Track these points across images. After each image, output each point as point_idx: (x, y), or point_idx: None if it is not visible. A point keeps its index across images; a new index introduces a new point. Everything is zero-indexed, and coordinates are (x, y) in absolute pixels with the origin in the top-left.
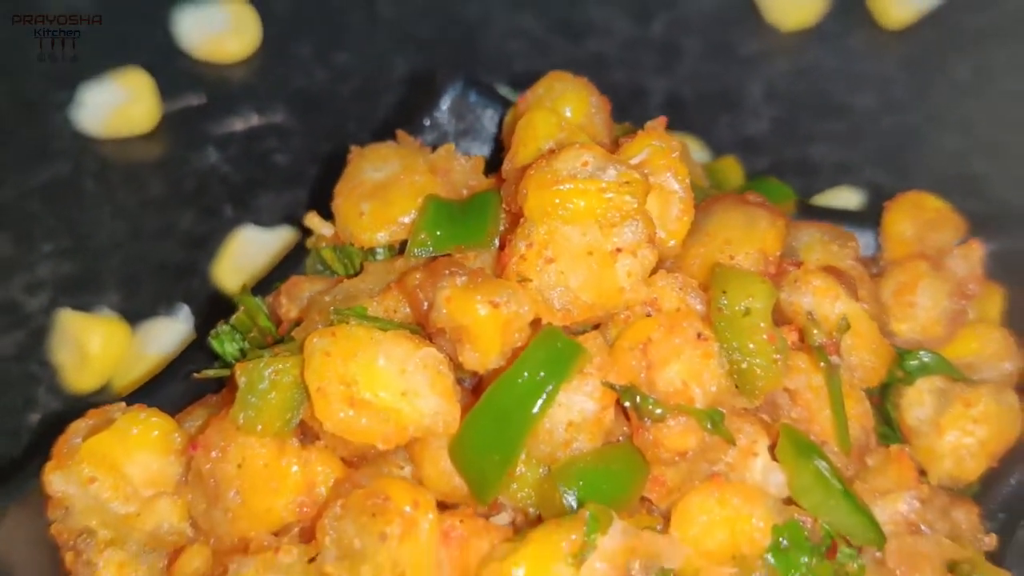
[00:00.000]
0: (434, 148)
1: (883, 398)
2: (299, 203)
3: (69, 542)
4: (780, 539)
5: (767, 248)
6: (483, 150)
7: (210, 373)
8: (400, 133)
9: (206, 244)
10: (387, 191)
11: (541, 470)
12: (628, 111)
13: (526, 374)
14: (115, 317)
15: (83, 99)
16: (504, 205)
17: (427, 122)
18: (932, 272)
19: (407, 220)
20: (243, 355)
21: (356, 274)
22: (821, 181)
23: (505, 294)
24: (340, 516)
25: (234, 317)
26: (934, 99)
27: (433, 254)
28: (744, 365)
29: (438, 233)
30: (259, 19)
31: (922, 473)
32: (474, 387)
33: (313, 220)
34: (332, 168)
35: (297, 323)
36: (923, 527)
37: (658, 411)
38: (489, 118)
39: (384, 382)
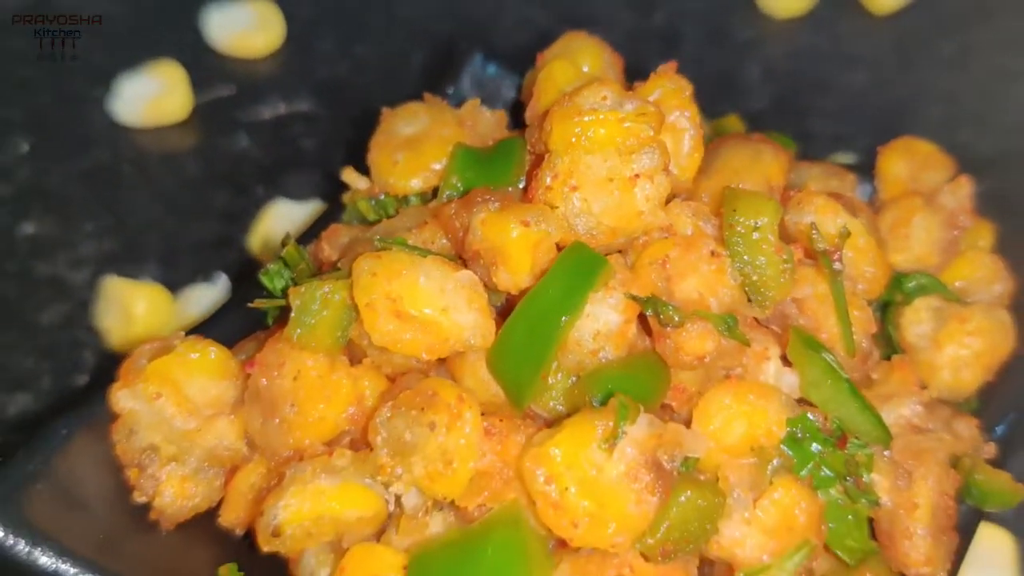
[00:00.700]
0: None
1: (884, 319)
2: (327, 180)
3: (133, 460)
4: (794, 430)
5: (772, 178)
6: None
7: (263, 303)
8: (427, 95)
9: (240, 220)
10: (419, 143)
11: (571, 379)
12: None
13: (555, 284)
14: (157, 284)
15: (120, 91)
16: (528, 147)
17: (450, 91)
18: (925, 207)
19: (438, 167)
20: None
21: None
22: (818, 150)
23: (535, 214)
24: (390, 415)
25: (284, 251)
26: (921, 75)
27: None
28: (755, 277)
29: (468, 175)
30: (283, 17)
31: (923, 388)
32: (502, 311)
33: (350, 175)
34: (358, 149)
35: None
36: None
37: (677, 317)
38: (508, 87)
39: (426, 299)
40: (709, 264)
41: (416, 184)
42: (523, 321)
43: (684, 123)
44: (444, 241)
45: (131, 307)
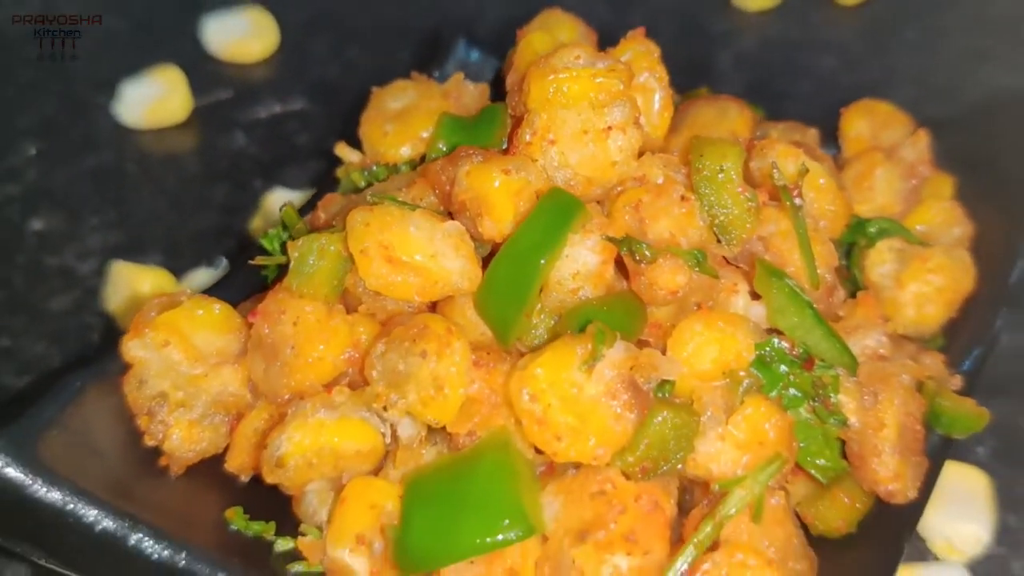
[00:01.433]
0: None
1: (849, 263)
2: (322, 171)
3: (143, 408)
4: (763, 353)
5: (737, 132)
6: None
7: (264, 260)
8: (414, 73)
9: (240, 212)
10: (407, 115)
11: (553, 320)
12: None
13: (535, 226)
14: (162, 269)
15: (123, 95)
16: (510, 111)
17: (436, 74)
18: (886, 160)
19: (426, 135)
20: None
21: None
22: None
23: (516, 164)
24: (384, 350)
25: (282, 211)
26: (889, 58)
27: None
28: (722, 218)
29: (453, 139)
30: (277, 23)
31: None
32: (487, 260)
33: (343, 149)
34: (352, 140)
35: None
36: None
37: (650, 254)
38: (490, 70)
39: (416, 246)
40: (679, 207)
41: (406, 151)
42: (506, 262)
43: (653, 83)
44: (432, 198)
45: (138, 288)
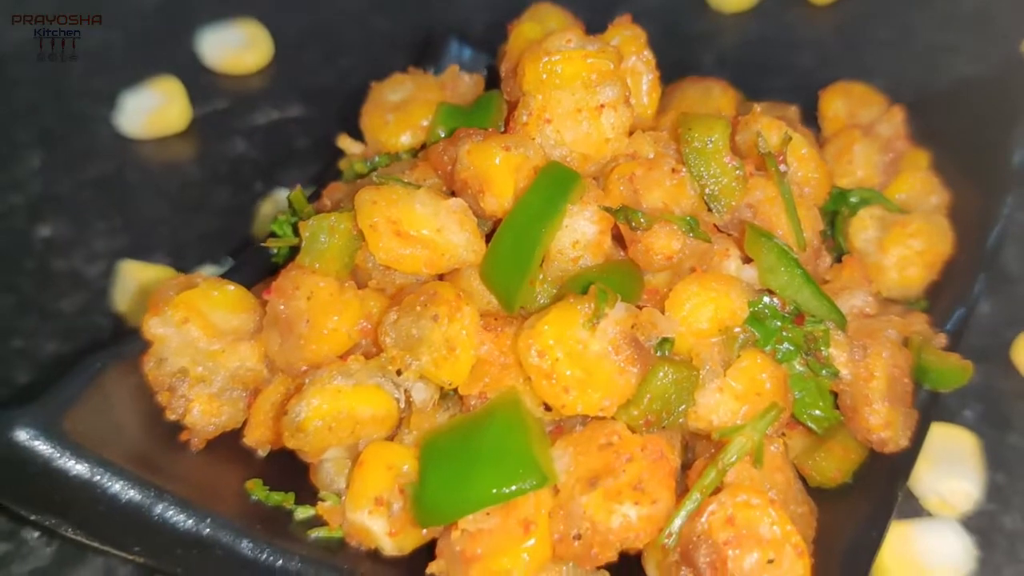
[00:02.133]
0: None
1: (833, 232)
2: (322, 171)
3: (164, 384)
4: (756, 310)
5: (722, 109)
6: None
7: (275, 242)
8: (411, 68)
9: (241, 214)
10: (406, 105)
11: (555, 289)
12: None
13: (535, 198)
14: (168, 268)
15: (124, 106)
16: (505, 96)
17: (431, 71)
18: (864, 136)
19: (425, 123)
20: None
21: None
22: None
23: (515, 141)
24: (397, 317)
25: (291, 195)
26: (864, 56)
27: None
28: (712, 187)
29: (452, 125)
30: (270, 35)
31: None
32: (489, 236)
33: (344, 140)
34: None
35: None
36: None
37: (645, 221)
38: (482, 67)
39: (422, 221)
40: (671, 179)
41: (406, 139)
42: (509, 232)
43: (641, 66)
44: (435, 180)
45: (145, 286)
